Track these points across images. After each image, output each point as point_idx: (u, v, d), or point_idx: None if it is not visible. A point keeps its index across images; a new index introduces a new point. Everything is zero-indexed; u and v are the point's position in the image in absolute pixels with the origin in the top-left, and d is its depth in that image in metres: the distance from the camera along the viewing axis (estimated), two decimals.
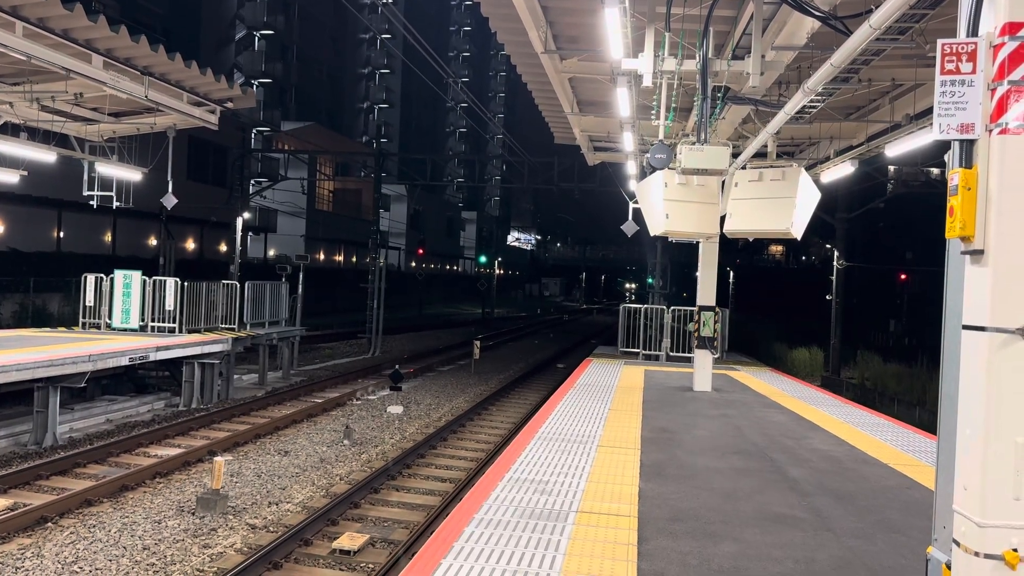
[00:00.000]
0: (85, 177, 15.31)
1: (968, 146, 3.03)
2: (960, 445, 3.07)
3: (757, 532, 5.29)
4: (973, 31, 3.07)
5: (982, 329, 2.95)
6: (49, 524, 7.97)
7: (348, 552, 7.59)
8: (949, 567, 3.07)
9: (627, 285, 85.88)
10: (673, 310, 17.49)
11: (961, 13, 3.18)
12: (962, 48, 3.02)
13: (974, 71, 3.00)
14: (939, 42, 3.06)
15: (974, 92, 2.99)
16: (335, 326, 32.56)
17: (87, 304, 15.59)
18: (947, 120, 3.03)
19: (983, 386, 2.93)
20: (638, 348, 17.46)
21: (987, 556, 2.89)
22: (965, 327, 3.06)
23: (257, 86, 48.61)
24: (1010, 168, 2.92)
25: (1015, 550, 2.87)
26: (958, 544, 2.99)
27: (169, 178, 15.46)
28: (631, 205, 16.95)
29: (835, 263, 26.40)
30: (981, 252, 2.98)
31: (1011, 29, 2.92)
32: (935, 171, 22.88)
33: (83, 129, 14.61)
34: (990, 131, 2.97)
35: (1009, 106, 2.92)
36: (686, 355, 16.39)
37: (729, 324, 19.83)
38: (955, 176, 3.04)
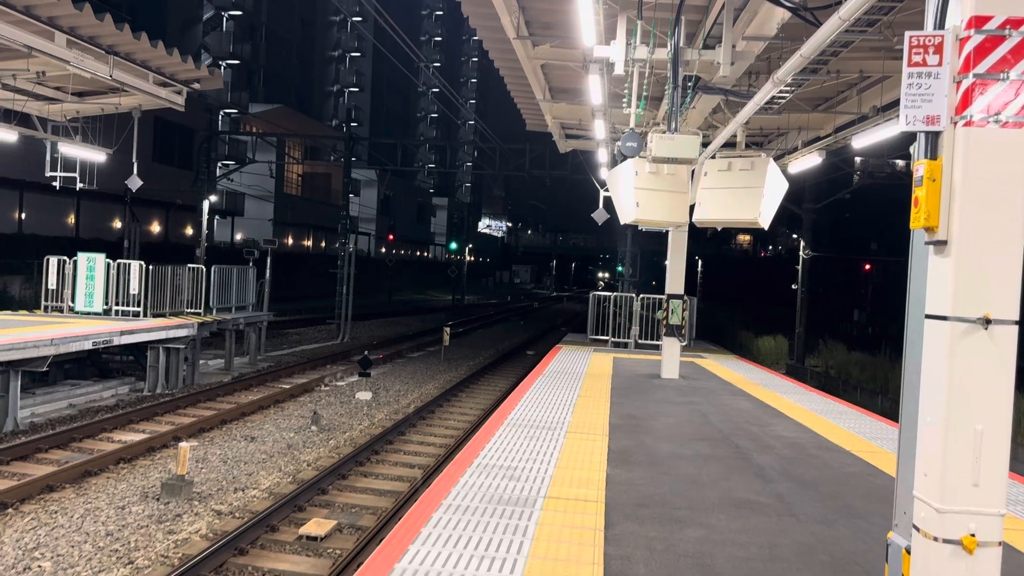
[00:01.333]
0: (48, 158, 15.00)
1: (933, 138, 3.08)
2: (921, 432, 3.13)
3: (722, 518, 5.35)
4: (940, 24, 3.11)
5: (944, 318, 3.01)
6: (9, 510, 7.84)
7: (315, 538, 7.56)
8: (909, 552, 3.13)
9: (600, 274, 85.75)
10: (642, 298, 17.59)
11: (928, 6, 3.22)
12: (929, 40, 3.06)
13: (940, 63, 3.04)
14: (907, 34, 3.09)
15: (940, 84, 3.04)
16: (303, 312, 32.32)
17: (49, 287, 15.29)
18: (913, 112, 3.07)
19: (944, 375, 2.99)
20: (607, 336, 17.55)
21: (946, 541, 2.95)
22: (928, 316, 3.12)
23: (225, 67, 47.83)
24: (974, 160, 2.97)
25: (973, 535, 2.94)
26: (918, 529, 3.06)
27: (134, 160, 15.19)
28: (602, 193, 16.99)
29: (801, 253, 26.71)
30: (945, 243, 3.03)
31: (977, 22, 2.96)
32: (900, 163, 23.20)
33: (46, 108, 14.29)
34: (955, 123, 3.02)
35: (974, 99, 2.97)
36: (655, 343, 16.52)
37: (697, 312, 20.02)
38: (920, 167, 3.09)
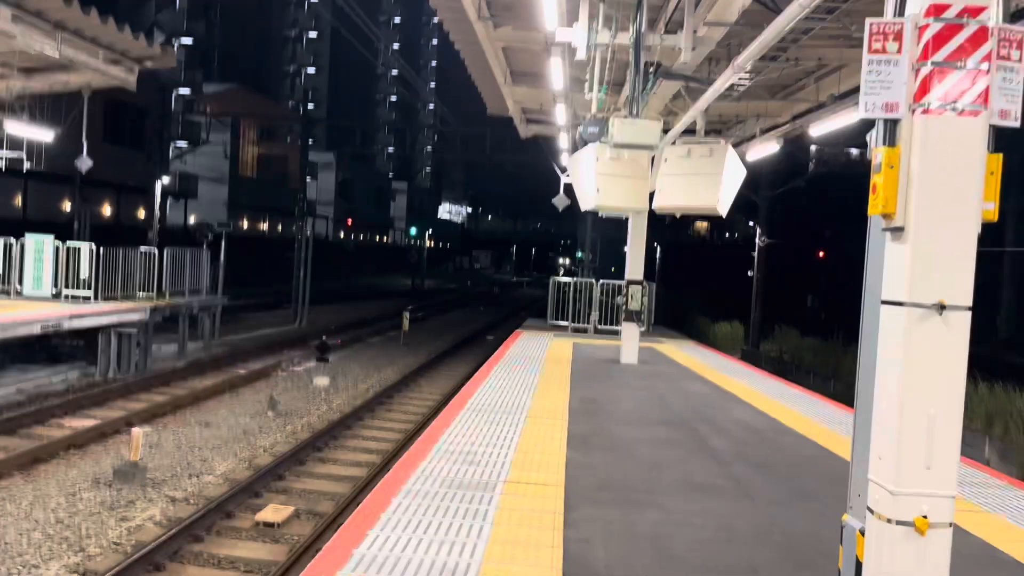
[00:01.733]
0: None
1: (892, 125, 3.10)
2: (876, 416, 3.17)
3: (680, 500, 5.41)
4: (900, 11, 3.13)
5: (900, 304, 3.04)
6: None
7: (272, 525, 7.48)
8: (863, 534, 3.18)
9: (561, 261, 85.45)
10: (602, 284, 17.67)
11: None
12: (889, 28, 3.08)
13: (900, 51, 3.06)
14: (867, 21, 3.11)
15: (899, 72, 3.06)
16: (259, 296, 31.85)
17: None
18: (873, 98, 3.09)
19: (899, 359, 3.03)
20: (567, 321, 17.62)
21: (899, 523, 3.00)
22: (884, 302, 3.15)
23: (178, 46, 46.75)
24: (932, 148, 3.00)
25: (925, 517, 2.99)
26: (872, 512, 3.10)
27: (84, 140, 14.75)
28: (563, 179, 17.00)
29: (757, 240, 27.06)
30: (902, 229, 3.06)
31: (936, 11, 2.98)
32: (855, 152, 23.58)
33: None
34: (913, 111, 3.04)
35: (932, 86, 3.00)
36: (614, 328, 16.61)
37: (655, 298, 20.18)
38: (879, 154, 3.11)
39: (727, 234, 74.57)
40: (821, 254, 47.37)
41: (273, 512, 7.70)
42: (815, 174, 26.98)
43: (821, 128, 10.26)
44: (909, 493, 2.99)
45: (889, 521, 3.02)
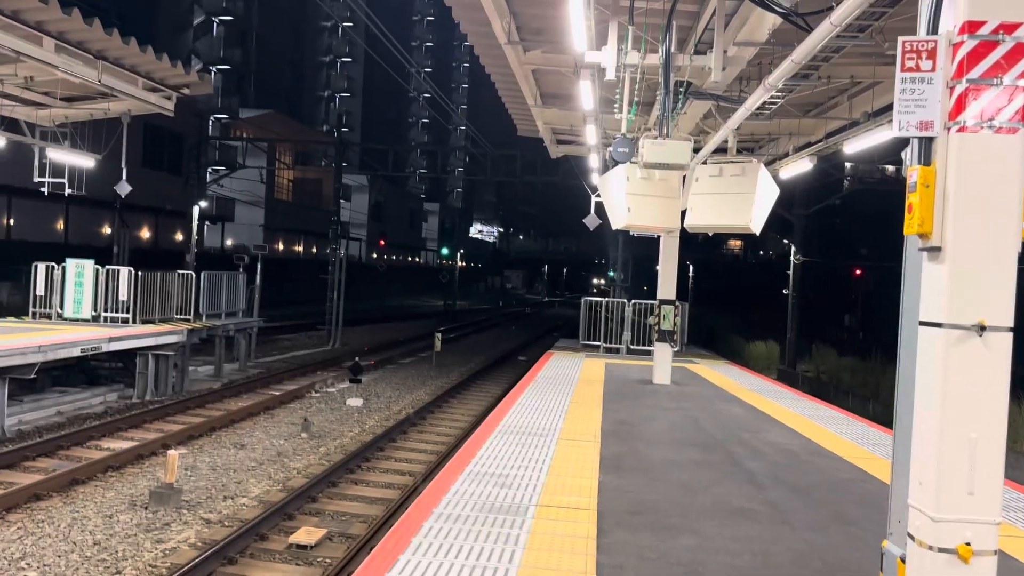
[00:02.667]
0: (36, 163, 14.88)
1: (927, 143, 3.06)
2: (915, 440, 3.10)
3: (715, 525, 5.32)
4: (933, 29, 3.10)
5: (938, 325, 2.98)
6: None
7: (305, 547, 7.49)
8: (904, 561, 3.10)
9: (596, 281, 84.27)
10: (634, 303, 17.58)
11: (921, 11, 3.20)
12: (922, 46, 3.04)
13: (934, 69, 3.02)
14: (900, 39, 3.08)
15: (933, 90, 3.02)
16: (294, 317, 32.17)
17: (38, 294, 15.17)
18: (907, 117, 3.05)
19: (938, 382, 2.97)
20: (599, 341, 17.53)
21: (941, 550, 2.92)
22: (922, 323, 3.09)
23: (215, 73, 47.73)
24: (967, 166, 2.95)
25: (968, 544, 2.91)
26: (913, 538, 3.03)
27: (123, 165, 15.08)
28: (593, 199, 16.98)
29: (792, 258, 26.76)
30: (939, 249, 3.01)
31: (970, 28, 2.94)
32: (890, 168, 23.28)
33: (34, 114, 14.19)
34: (948, 129, 3.00)
35: (967, 104, 2.95)
36: (646, 348, 16.48)
37: (688, 318, 20.02)
38: (914, 173, 3.07)
39: (761, 252, 73.90)
40: (858, 272, 46.70)
41: (306, 534, 7.71)
42: (850, 191, 26.73)
43: (855, 146, 10.15)
44: (951, 519, 2.92)
45: (931, 548, 2.94)
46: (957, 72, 2.98)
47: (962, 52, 2.96)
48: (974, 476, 2.92)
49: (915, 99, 3.04)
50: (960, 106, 2.96)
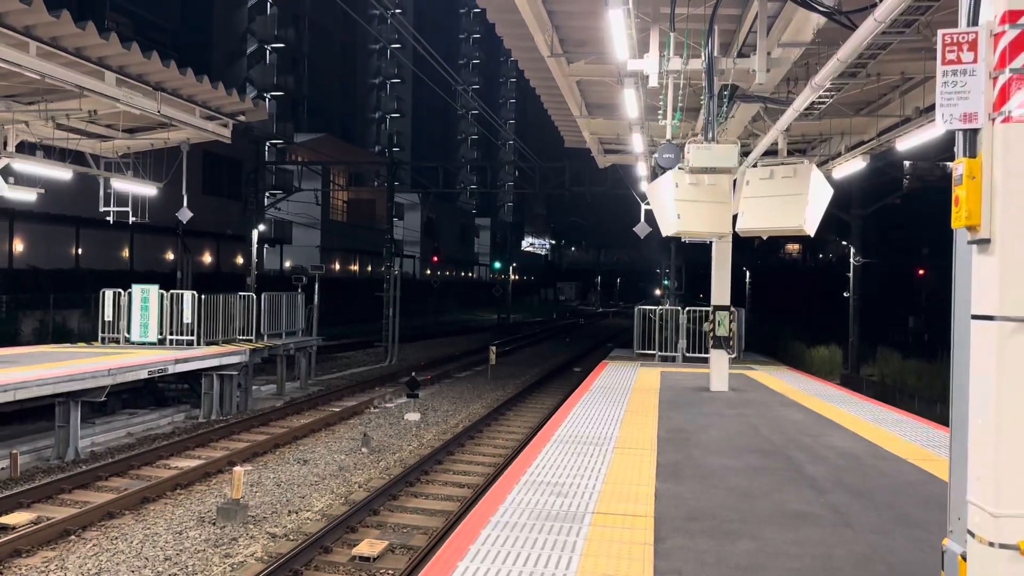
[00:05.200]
0: (101, 193, 15.47)
1: (972, 135, 3.03)
2: (972, 435, 3.06)
3: (774, 529, 5.27)
4: (973, 20, 3.07)
5: (991, 318, 2.94)
6: (72, 537, 8.06)
7: (368, 559, 7.62)
8: (965, 558, 3.05)
9: (657, 291, 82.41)
10: (688, 311, 17.44)
11: (961, 3, 3.18)
12: (963, 38, 3.02)
13: (975, 60, 3.00)
14: (939, 32, 3.06)
15: (976, 81, 2.99)
16: (352, 335, 32.68)
17: (106, 319, 15.74)
18: (950, 110, 3.03)
19: (993, 375, 2.93)
20: (654, 350, 17.43)
21: (1002, 546, 2.87)
22: (974, 317, 3.05)
23: (270, 99, 48.93)
24: (1014, 156, 2.91)
25: None
26: (972, 535, 2.98)
27: (184, 192, 15.61)
28: (643, 207, 16.93)
29: (851, 260, 26.23)
30: (988, 241, 2.97)
31: (1011, 17, 2.91)
32: (950, 164, 22.70)
33: (98, 146, 14.77)
34: (993, 120, 2.96)
35: (1011, 94, 2.92)
36: (702, 356, 16.33)
37: (746, 324, 19.78)
38: (960, 166, 3.04)
39: (820, 255, 72.46)
40: (921, 272, 45.50)
41: (368, 546, 7.84)
42: (910, 189, 26.12)
43: (908, 142, 9.95)
44: (1011, 515, 2.86)
45: (991, 545, 2.89)
46: (1000, 62, 2.95)
47: (1004, 42, 2.93)
48: None
49: (957, 91, 3.01)
50: (1004, 96, 2.93)
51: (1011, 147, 2.91)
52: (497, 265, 70.79)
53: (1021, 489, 2.86)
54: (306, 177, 37.23)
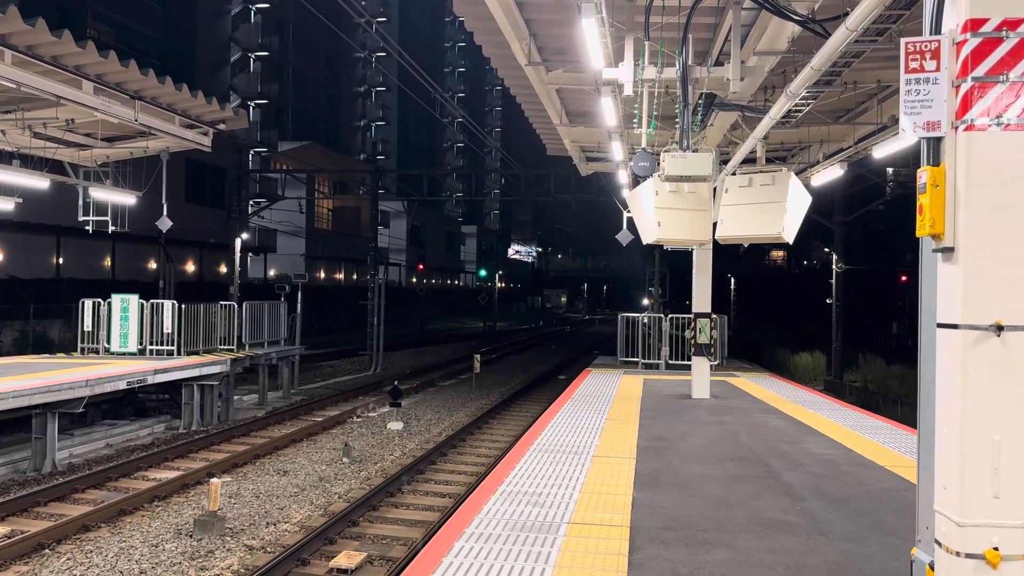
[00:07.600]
0: (80, 203, 15.34)
1: (935, 143, 3.04)
2: (938, 444, 3.05)
3: (750, 538, 5.25)
4: (936, 29, 3.08)
5: (955, 327, 2.94)
6: (46, 551, 7.94)
7: (345, 571, 7.55)
8: (932, 568, 3.04)
9: (645, 300, 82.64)
10: (672, 318, 17.46)
11: (925, 11, 3.19)
12: (925, 46, 3.03)
13: (938, 68, 3.00)
14: (902, 41, 3.07)
15: (939, 89, 3.00)
16: (336, 344, 32.54)
17: (85, 329, 15.59)
18: (914, 118, 3.03)
19: (958, 384, 2.92)
20: (638, 357, 17.43)
21: (968, 556, 2.86)
22: (939, 325, 3.05)
23: (254, 107, 48.75)
24: (977, 165, 2.92)
25: (996, 549, 2.84)
26: (940, 544, 2.97)
27: (163, 201, 15.48)
28: (625, 214, 16.96)
29: (834, 266, 26.36)
30: (952, 250, 2.97)
31: (973, 26, 2.92)
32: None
33: (76, 155, 14.66)
34: (956, 128, 2.97)
35: (973, 102, 2.93)
36: (686, 363, 16.34)
37: (730, 330, 19.80)
38: (923, 174, 3.05)
39: (805, 262, 72.81)
40: (904, 278, 45.77)
41: (346, 558, 7.77)
42: (893, 196, 26.28)
43: (885, 150, 10.02)
44: (977, 524, 2.86)
45: (958, 554, 2.88)
46: (962, 71, 2.95)
47: (966, 50, 2.94)
48: (999, 479, 2.86)
49: (921, 100, 3.02)
50: (966, 105, 2.94)
51: (973, 156, 2.91)
52: (483, 273, 70.78)
53: (986, 498, 2.85)
54: (291, 185, 37.14)
